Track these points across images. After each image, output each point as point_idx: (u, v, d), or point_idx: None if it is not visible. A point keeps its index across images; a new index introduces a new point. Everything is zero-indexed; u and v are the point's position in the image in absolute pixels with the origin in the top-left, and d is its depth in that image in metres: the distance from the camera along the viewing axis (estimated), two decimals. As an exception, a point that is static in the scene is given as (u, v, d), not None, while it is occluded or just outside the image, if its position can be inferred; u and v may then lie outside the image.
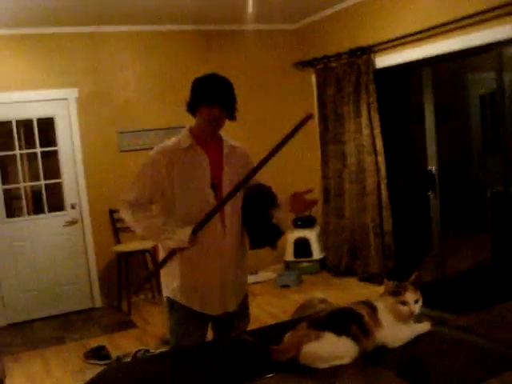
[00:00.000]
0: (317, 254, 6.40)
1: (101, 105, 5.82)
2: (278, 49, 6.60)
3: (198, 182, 2.61)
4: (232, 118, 2.72)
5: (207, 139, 2.69)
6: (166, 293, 2.76)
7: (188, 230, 2.54)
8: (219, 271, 2.66)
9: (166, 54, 6.10)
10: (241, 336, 1.80)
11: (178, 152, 2.61)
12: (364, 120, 5.60)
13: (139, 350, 4.40)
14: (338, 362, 1.67)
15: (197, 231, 2.55)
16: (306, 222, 6.47)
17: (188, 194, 2.60)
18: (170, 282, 2.70)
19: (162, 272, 2.77)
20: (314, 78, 6.34)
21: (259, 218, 2.73)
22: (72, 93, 5.67)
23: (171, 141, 2.70)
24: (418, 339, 1.85)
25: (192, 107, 2.65)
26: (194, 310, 2.67)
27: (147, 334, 5.04)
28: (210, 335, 2.86)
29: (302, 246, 6.39)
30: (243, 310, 2.85)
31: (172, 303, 2.72)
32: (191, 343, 2.59)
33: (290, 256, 6.45)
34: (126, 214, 2.66)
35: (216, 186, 2.64)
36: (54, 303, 5.78)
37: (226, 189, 2.65)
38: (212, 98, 2.56)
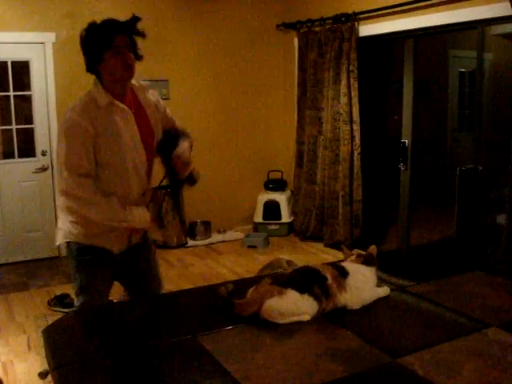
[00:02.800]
0: (286, 217, 6.47)
1: (78, 51, 5.63)
2: (262, 8, 6.51)
3: (129, 143, 2.37)
4: (138, 57, 2.48)
5: (122, 92, 2.40)
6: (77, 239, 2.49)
7: (146, 215, 2.43)
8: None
9: (146, 6, 5.96)
10: (217, 289, 1.82)
11: (97, 111, 2.32)
12: (343, 88, 5.61)
13: (103, 300, 4.43)
14: (297, 319, 1.72)
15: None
16: (277, 186, 6.51)
17: (118, 158, 2.36)
18: (86, 228, 2.45)
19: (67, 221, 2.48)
20: (296, 42, 6.29)
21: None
22: (49, 37, 5.53)
23: (83, 100, 2.37)
24: (376, 303, 1.91)
25: (93, 63, 2.38)
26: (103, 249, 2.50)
27: (112, 285, 5.06)
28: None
29: (272, 209, 6.44)
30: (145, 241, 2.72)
31: (84, 248, 2.49)
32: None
33: (258, 218, 6.50)
34: (73, 197, 2.31)
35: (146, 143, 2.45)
36: (19, 249, 5.74)
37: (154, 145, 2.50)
38: (116, 42, 2.34)
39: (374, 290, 1.93)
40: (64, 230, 2.51)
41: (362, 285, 1.88)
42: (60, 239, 2.55)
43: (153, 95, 2.62)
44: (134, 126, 2.40)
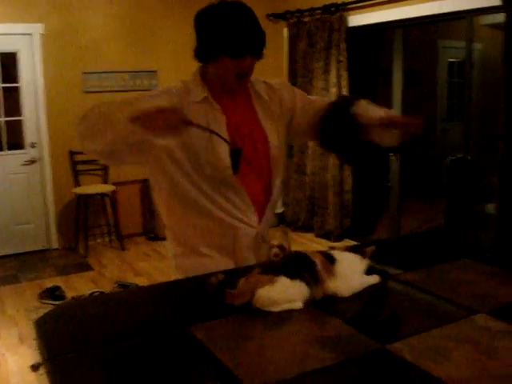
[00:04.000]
0: (277, 208, 6.48)
1: (66, 43, 5.67)
2: (252, -1, 6.49)
3: (212, 146, 1.93)
4: (260, 56, 1.97)
5: (228, 91, 2.01)
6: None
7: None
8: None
9: (136, -5, 5.94)
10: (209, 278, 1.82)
11: (189, 105, 1.89)
12: (332, 78, 5.61)
13: (94, 292, 4.44)
14: (290, 306, 1.73)
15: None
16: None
17: (198, 163, 1.96)
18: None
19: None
20: (285, 32, 6.28)
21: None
22: (37, 28, 5.50)
23: (177, 87, 1.98)
24: (366, 291, 1.93)
25: (206, 57, 1.92)
26: None
27: (103, 276, 5.07)
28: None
29: (263, 200, 6.44)
30: None
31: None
32: None
33: (250, 209, 6.50)
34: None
35: (239, 151, 1.85)
36: (9, 242, 5.73)
37: (272, 150, 2.12)
38: (242, 48, 1.83)
39: (364, 277, 1.94)
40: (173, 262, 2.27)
41: (351, 271, 1.89)
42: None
43: (276, 88, 2.26)
44: (223, 131, 1.94)
